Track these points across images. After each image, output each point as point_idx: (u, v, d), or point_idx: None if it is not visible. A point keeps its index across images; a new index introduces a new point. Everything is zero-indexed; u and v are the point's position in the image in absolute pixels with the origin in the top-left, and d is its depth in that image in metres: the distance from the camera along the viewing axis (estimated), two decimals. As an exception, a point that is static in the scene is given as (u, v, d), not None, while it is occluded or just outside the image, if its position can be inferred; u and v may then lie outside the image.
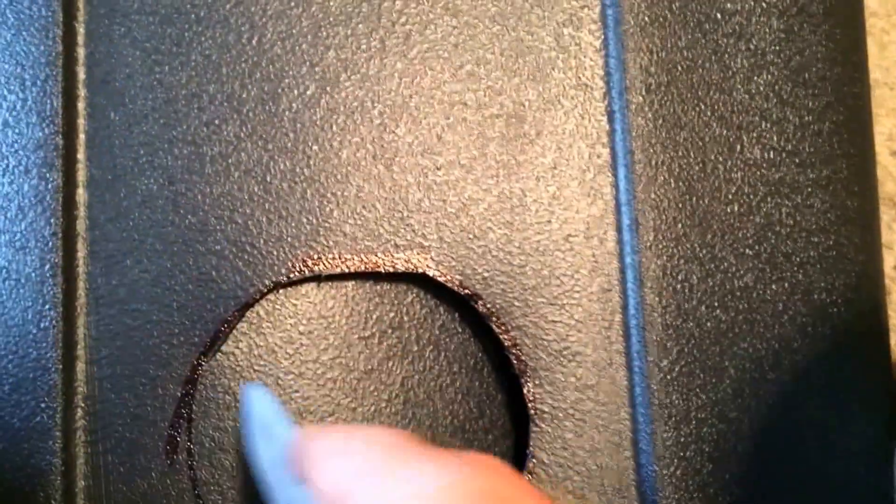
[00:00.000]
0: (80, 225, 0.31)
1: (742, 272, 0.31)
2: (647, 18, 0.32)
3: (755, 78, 0.32)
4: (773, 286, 0.31)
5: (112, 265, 0.31)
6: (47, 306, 0.30)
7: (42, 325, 0.30)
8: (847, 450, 0.32)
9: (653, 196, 0.31)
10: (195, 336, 0.31)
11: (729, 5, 0.32)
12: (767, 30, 0.33)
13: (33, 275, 0.30)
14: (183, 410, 0.31)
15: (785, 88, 0.32)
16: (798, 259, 0.32)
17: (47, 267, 0.31)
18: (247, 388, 0.29)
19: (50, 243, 0.31)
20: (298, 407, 0.32)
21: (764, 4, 0.33)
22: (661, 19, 0.32)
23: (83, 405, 0.31)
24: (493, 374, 0.33)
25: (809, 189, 0.32)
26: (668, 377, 0.31)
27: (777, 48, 0.33)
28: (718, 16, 0.32)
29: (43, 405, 0.30)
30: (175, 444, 0.31)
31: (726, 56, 0.32)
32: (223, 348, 0.32)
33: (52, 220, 0.31)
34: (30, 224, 0.31)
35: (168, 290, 0.31)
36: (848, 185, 0.33)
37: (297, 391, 0.32)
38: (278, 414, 0.28)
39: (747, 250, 0.31)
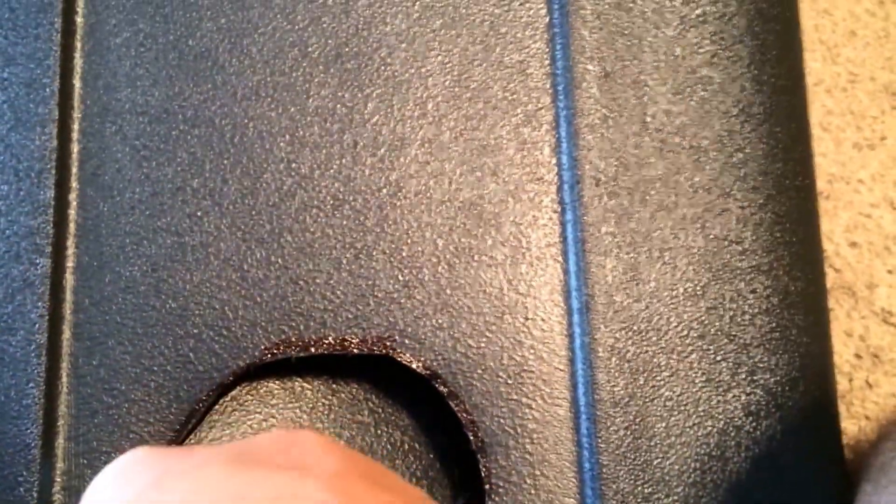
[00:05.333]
0: (66, 308, 0.33)
1: (688, 353, 0.33)
2: (596, 119, 0.35)
3: (697, 173, 0.35)
4: (719, 366, 0.33)
5: (94, 346, 0.33)
6: (30, 385, 0.32)
7: (25, 402, 0.32)
8: (797, 527, 0.33)
9: (602, 281, 0.33)
10: (171, 414, 0.33)
11: (673, 108, 0.35)
12: (709, 130, 0.35)
13: (18, 355, 0.32)
14: (156, 485, 0.32)
15: (726, 182, 0.35)
16: (742, 340, 0.34)
17: (32, 347, 0.32)
18: None
19: (36, 325, 0.33)
20: (267, 483, 0.33)
21: (707, 107, 0.35)
22: (609, 120, 0.35)
23: (61, 480, 0.32)
24: (450, 450, 0.34)
25: (752, 274, 0.34)
26: (616, 452, 0.32)
27: (719, 146, 0.35)
28: (663, 117, 0.35)
29: (21, 479, 0.31)
30: (147, 519, 0.32)
31: (670, 153, 0.35)
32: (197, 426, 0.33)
33: (39, 304, 0.33)
34: (17, 307, 0.33)
35: (147, 370, 0.33)
36: (790, 271, 0.35)
37: (266, 467, 0.33)
38: None
39: (693, 332, 0.33)
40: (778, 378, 0.34)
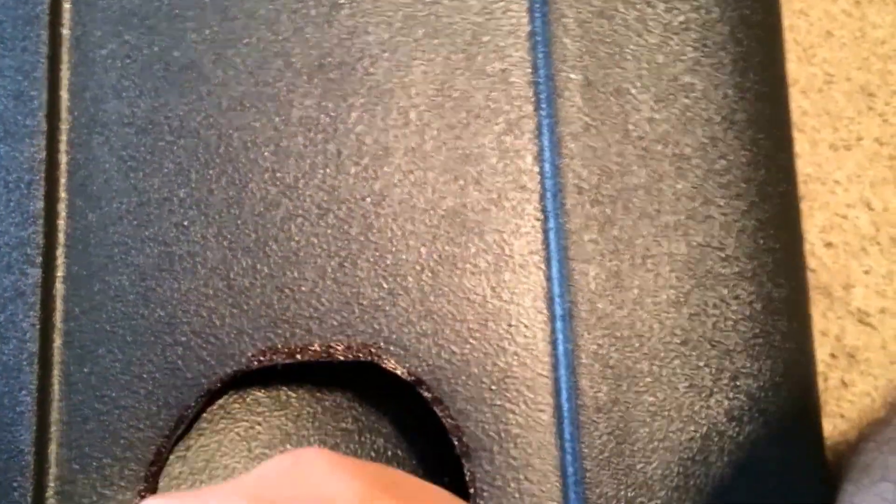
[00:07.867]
0: (57, 317, 0.34)
1: (671, 359, 0.34)
2: (579, 127, 0.35)
3: (680, 180, 0.35)
4: (702, 371, 0.34)
5: (85, 354, 0.34)
6: (23, 392, 0.33)
7: (18, 409, 0.33)
8: (780, 531, 0.33)
9: (585, 289, 0.34)
10: (160, 421, 0.33)
11: (656, 115, 0.35)
12: (691, 138, 0.35)
13: (11, 363, 0.33)
14: (147, 491, 0.33)
15: (709, 189, 0.35)
16: (725, 346, 0.34)
17: (24, 356, 0.33)
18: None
19: (28, 334, 0.33)
20: (255, 488, 0.34)
21: (689, 114, 0.36)
22: (592, 128, 0.35)
23: (53, 485, 0.33)
24: (435, 456, 0.35)
25: (735, 281, 0.35)
26: (599, 457, 0.32)
27: (702, 153, 0.35)
28: (645, 125, 0.35)
29: (16, 484, 0.32)
30: (137, 524, 0.33)
31: (653, 160, 0.35)
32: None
33: (30, 313, 0.33)
34: (9, 316, 0.33)
35: (136, 377, 0.34)
36: (774, 277, 0.35)
37: (253, 473, 0.34)
38: None
39: (675, 338, 0.34)
40: (761, 383, 0.34)
